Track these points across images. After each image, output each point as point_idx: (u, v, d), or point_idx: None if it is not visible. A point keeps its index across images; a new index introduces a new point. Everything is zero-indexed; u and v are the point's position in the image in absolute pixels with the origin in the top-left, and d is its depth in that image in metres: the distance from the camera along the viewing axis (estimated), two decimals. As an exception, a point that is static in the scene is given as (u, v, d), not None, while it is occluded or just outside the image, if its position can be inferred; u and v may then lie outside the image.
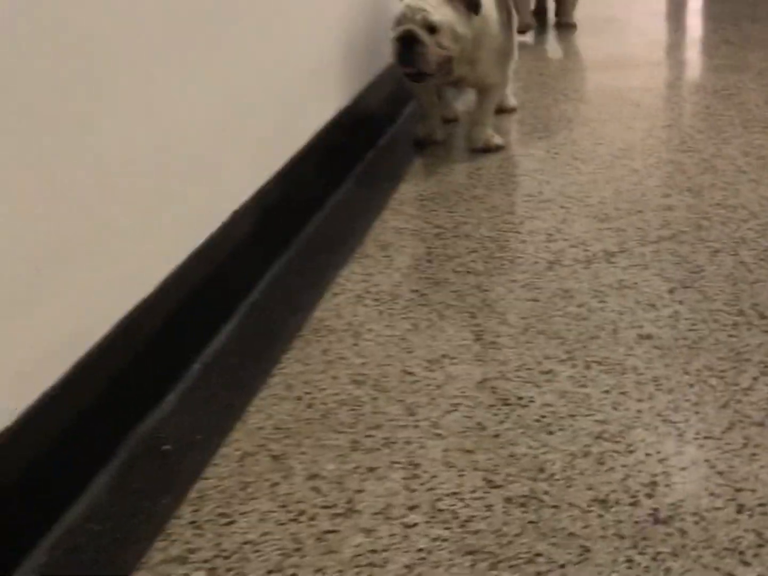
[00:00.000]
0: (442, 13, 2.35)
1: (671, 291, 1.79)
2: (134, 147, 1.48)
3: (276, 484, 1.35)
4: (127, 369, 1.45)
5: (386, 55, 2.84)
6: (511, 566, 1.16)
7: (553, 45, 3.95)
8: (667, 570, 1.14)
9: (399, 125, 2.97)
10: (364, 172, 2.58)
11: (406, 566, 1.18)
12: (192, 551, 1.23)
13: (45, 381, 1.28)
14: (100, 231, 1.39)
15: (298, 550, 1.22)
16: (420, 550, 1.21)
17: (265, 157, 2.01)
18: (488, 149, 2.63)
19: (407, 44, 2.34)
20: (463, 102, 3.07)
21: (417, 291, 1.88)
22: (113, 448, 1.42)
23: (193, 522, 1.29)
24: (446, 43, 2.38)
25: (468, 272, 1.94)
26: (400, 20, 2.38)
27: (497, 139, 2.65)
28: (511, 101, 2.97)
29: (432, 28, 2.35)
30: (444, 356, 1.64)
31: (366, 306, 1.84)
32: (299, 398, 1.55)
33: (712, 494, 1.26)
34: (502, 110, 2.89)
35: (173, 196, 1.61)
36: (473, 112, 2.70)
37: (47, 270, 1.27)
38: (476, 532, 1.23)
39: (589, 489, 1.29)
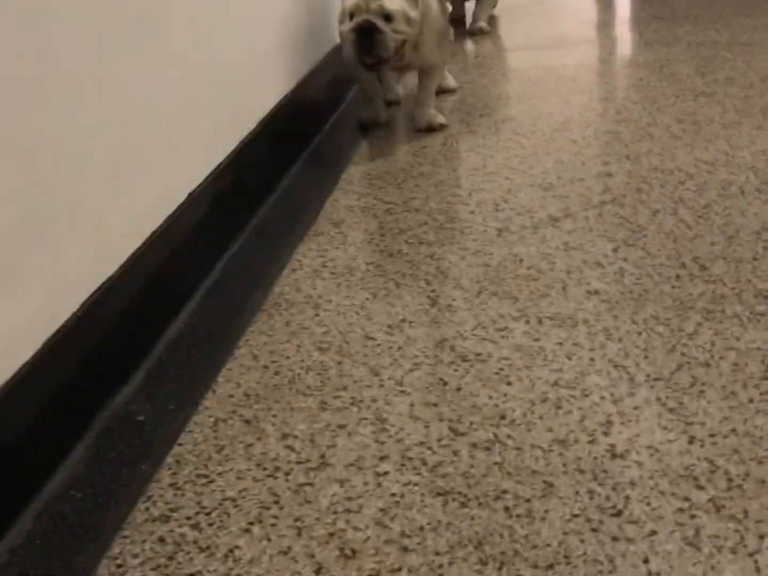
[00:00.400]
0: (394, 1, 2.40)
1: (615, 250, 1.87)
2: (92, 131, 1.52)
3: (250, 445, 1.40)
4: (97, 344, 1.49)
5: (327, 42, 2.90)
6: (480, 504, 1.23)
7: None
8: (627, 498, 1.21)
9: (342, 110, 3.03)
10: (313, 155, 2.64)
11: (381, 510, 1.24)
12: (174, 510, 1.28)
13: (20, 357, 1.32)
14: (65, 213, 1.43)
15: (276, 503, 1.28)
16: (393, 495, 1.26)
17: (218, 141, 2.06)
18: (432, 128, 2.71)
19: (366, 34, 2.37)
20: (403, 86, 3.14)
21: (372, 263, 1.94)
22: (88, 421, 1.46)
23: (172, 484, 1.33)
24: (401, 29, 2.43)
25: (420, 243, 2.00)
26: (353, 11, 2.41)
27: (440, 119, 2.73)
28: (451, 82, 3.04)
29: (388, 17, 2.39)
30: (403, 321, 1.70)
31: (324, 279, 1.90)
32: (266, 367, 1.60)
33: (664, 428, 1.33)
34: (443, 91, 2.97)
35: (133, 177, 1.65)
36: (416, 94, 2.76)
37: (18, 250, 1.31)
38: (445, 475, 1.29)
39: (549, 431, 1.36)
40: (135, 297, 1.61)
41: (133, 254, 1.63)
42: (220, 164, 2.04)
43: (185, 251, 1.82)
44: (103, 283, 1.53)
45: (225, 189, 2.02)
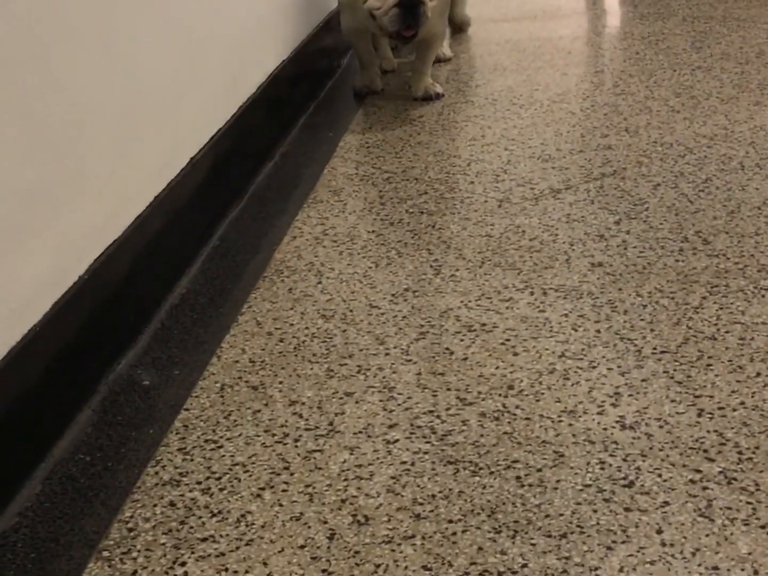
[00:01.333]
0: None
1: (618, 222, 1.87)
2: (97, 96, 1.50)
3: (258, 411, 1.40)
4: (102, 308, 1.48)
5: (324, 8, 2.87)
6: (491, 473, 1.23)
7: (481, -2, 4.01)
8: (638, 469, 1.22)
9: (338, 76, 3.01)
10: (310, 123, 2.62)
11: (393, 477, 1.24)
12: (183, 475, 1.28)
13: (28, 321, 1.31)
14: (71, 177, 1.41)
15: (286, 468, 1.27)
16: (403, 462, 1.27)
17: (218, 107, 2.04)
18: (429, 97, 2.70)
19: (411, 8, 2.39)
20: (396, 54, 3.12)
21: (374, 231, 1.93)
22: (94, 385, 1.45)
23: (181, 449, 1.33)
24: (431, 2, 2.44)
25: (421, 213, 2.00)
26: None
27: (437, 88, 2.72)
28: (447, 51, 3.03)
29: None
30: (407, 290, 1.70)
31: (325, 247, 1.89)
32: (270, 333, 1.60)
33: (673, 401, 1.34)
34: (438, 60, 2.95)
35: (137, 142, 1.63)
36: (414, 63, 2.74)
37: (25, 214, 1.29)
38: (455, 444, 1.29)
39: (558, 402, 1.36)
40: (138, 261, 1.60)
41: (137, 218, 1.61)
42: (220, 130, 2.03)
43: (187, 216, 1.81)
44: (109, 246, 1.52)
45: (224, 155, 2.01)
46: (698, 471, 1.20)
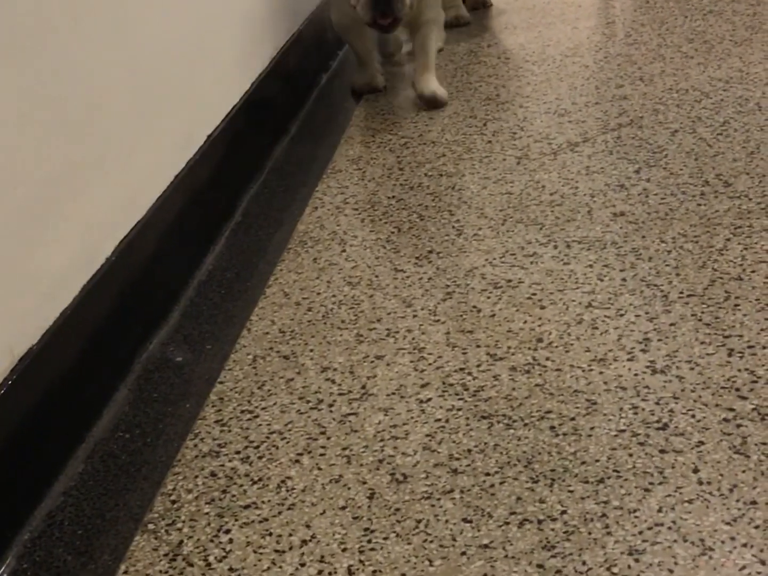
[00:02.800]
0: None
1: (637, 171, 1.87)
2: (115, 77, 1.51)
3: (291, 379, 1.41)
4: (130, 288, 1.50)
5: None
6: (525, 424, 1.24)
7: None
8: (671, 411, 1.22)
9: (348, 48, 3.00)
10: (324, 94, 2.62)
11: (428, 435, 1.25)
12: (222, 446, 1.30)
13: (60, 304, 1.33)
14: (93, 160, 1.43)
15: (322, 433, 1.29)
16: (437, 420, 1.28)
17: (232, 83, 2.05)
18: (434, 102, 2.37)
19: None
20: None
21: (394, 197, 1.94)
22: (128, 365, 1.47)
23: (218, 421, 1.35)
24: None
25: (440, 175, 2.00)
26: None
27: (442, 92, 2.38)
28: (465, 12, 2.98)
29: None
30: (430, 252, 1.71)
31: (347, 215, 1.90)
32: (298, 303, 1.61)
33: (702, 343, 1.34)
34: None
35: (156, 122, 1.64)
36: (415, 57, 2.45)
37: (51, 198, 1.31)
38: (487, 399, 1.30)
39: (587, 351, 1.37)
40: (163, 240, 1.61)
41: (159, 197, 1.63)
42: (235, 106, 2.04)
43: (208, 194, 1.82)
44: (133, 227, 1.53)
45: (241, 130, 2.02)
46: (731, 410, 1.21)
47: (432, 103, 2.36)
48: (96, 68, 1.45)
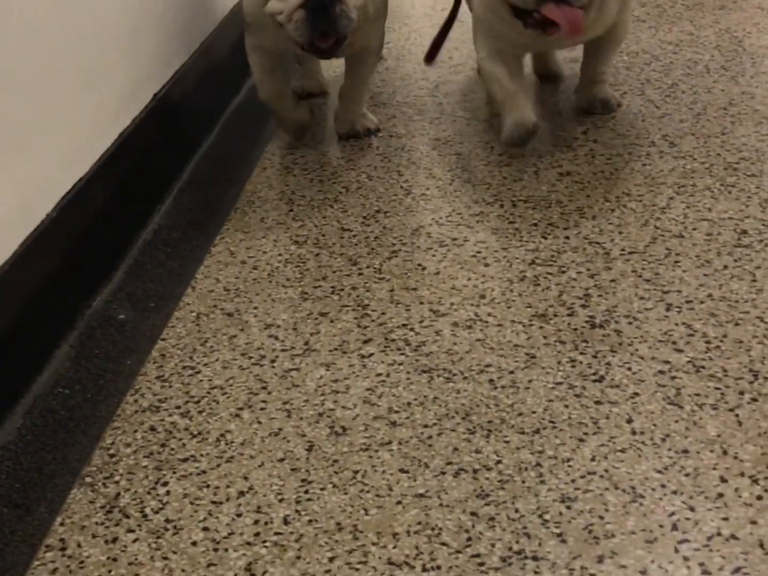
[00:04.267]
0: None
1: (585, 132, 1.88)
2: (57, 29, 1.49)
3: (234, 336, 1.41)
4: (73, 246, 1.49)
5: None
6: (465, 378, 1.25)
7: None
8: (608, 364, 1.23)
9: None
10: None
11: (368, 389, 1.26)
12: (162, 401, 1.29)
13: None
14: (34, 113, 1.41)
15: (263, 388, 1.29)
16: (378, 374, 1.28)
17: (180, 43, 2.02)
18: (356, 134, 2.01)
19: (319, 8, 1.68)
20: None
21: (343, 158, 1.93)
22: (70, 322, 1.46)
23: (159, 377, 1.34)
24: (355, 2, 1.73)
25: (390, 136, 2.00)
26: None
27: (369, 121, 2.03)
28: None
29: None
30: (378, 211, 1.71)
31: (295, 176, 1.89)
32: (244, 262, 1.61)
33: (642, 298, 1.35)
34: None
35: (100, 78, 1.63)
36: (342, 87, 2.01)
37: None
38: (428, 354, 1.31)
39: (529, 307, 1.38)
40: (108, 198, 1.60)
41: (104, 155, 1.61)
42: (184, 65, 2.02)
43: (156, 151, 1.81)
44: (75, 184, 1.52)
45: (190, 90, 2.00)
46: (667, 362, 1.22)
47: (354, 137, 2.01)
48: (34, 19, 1.42)
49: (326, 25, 1.69)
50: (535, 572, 0.96)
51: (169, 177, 1.88)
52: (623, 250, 1.47)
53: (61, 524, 1.10)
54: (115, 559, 1.05)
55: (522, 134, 1.79)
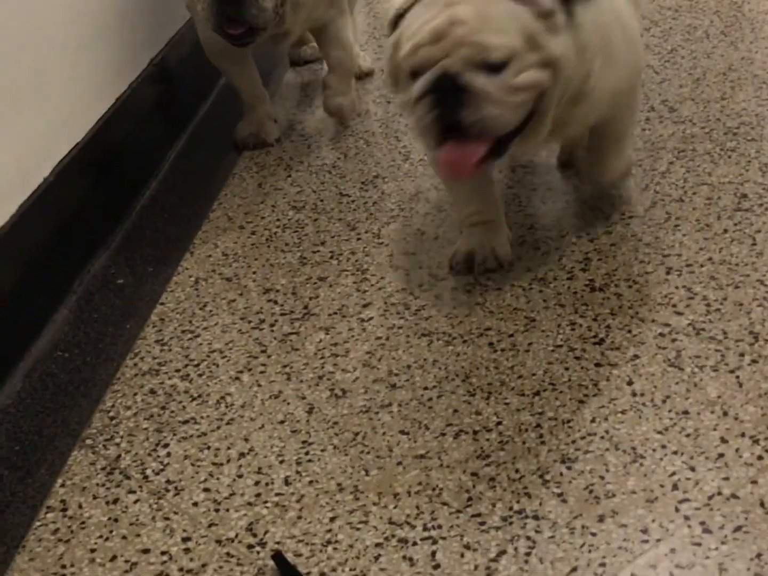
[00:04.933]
0: None
1: (585, 98, 1.86)
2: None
3: (233, 300, 1.41)
4: (71, 210, 1.48)
5: None
6: (464, 341, 1.25)
7: None
8: (608, 327, 1.23)
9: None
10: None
11: (368, 352, 1.26)
12: (162, 364, 1.29)
13: (-5, 222, 1.31)
14: (32, 76, 1.40)
15: (263, 352, 1.29)
16: (378, 338, 1.28)
17: (180, 5, 2.01)
18: (340, 114, 1.89)
19: None
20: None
21: (341, 124, 1.92)
22: (68, 286, 1.46)
23: (158, 340, 1.34)
24: None
25: (388, 102, 1.99)
26: None
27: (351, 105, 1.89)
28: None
29: None
30: (376, 177, 1.70)
31: (293, 142, 1.88)
32: (242, 227, 1.60)
33: (642, 262, 1.35)
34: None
35: (95, 41, 1.61)
36: (327, 78, 1.88)
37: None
38: (428, 318, 1.31)
39: (528, 270, 1.37)
40: (105, 163, 1.59)
41: (100, 119, 1.60)
42: (179, 31, 2.00)
43: (152, 117, 1.80)
44: (72, 149, 1.51)
45: (187, 56, 1.99)
46: (667, 324, 1.22)
47: (336, 116, 1.88)
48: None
49: (233, 10, 1.56)
50: (536, 531, 0.96)
51: (167, 142, 1.87)
52: (623, 214, 1.47)
53: (62, 486, 1.10)
54: (116, 520, 1.05)
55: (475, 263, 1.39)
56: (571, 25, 1.15)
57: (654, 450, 1.03)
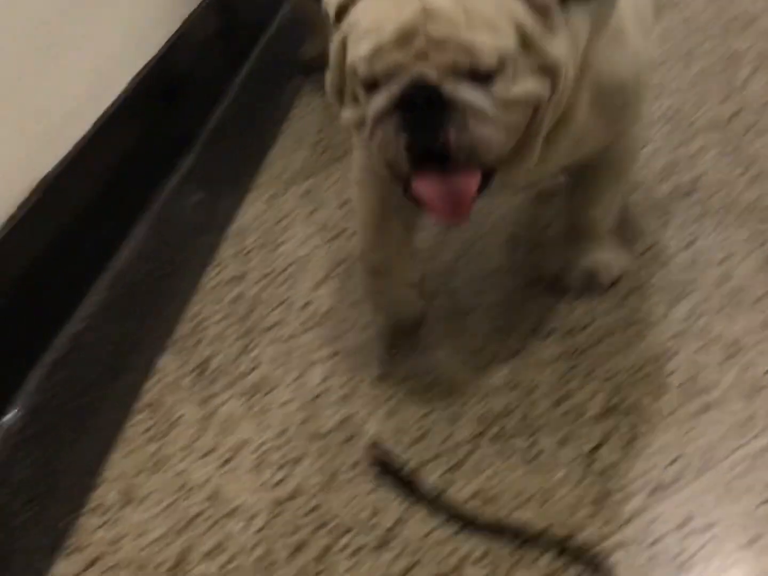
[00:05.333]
0: None
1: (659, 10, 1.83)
2: None
3: (311, 212, 1.40)
4: (143, 129, 1.48)
5: None
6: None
7: None
8: (697, 230, 1.21)
9: None
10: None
11: (452, 259, 1.24)
12: (244, 274, 1.29)
13: (76, 133, 1.31)
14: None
15: (344, 260, 1.28)
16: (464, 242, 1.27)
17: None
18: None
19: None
20: None
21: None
22: (146, 202, 1.46)
23: (239, 251, 1.34)
24: None
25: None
26: None
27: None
28: None
29: None
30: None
31: (360, 64, 1.86)
32: (314, 145, 1.59)
33: (727, 167, 1.33)
34: None
35: None
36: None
37: (65, 32, 1.28)
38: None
39: (611, 179, 1.35)
40: (171, 86, 1.58)
41: (171, 37, 1.59)
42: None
43: (218, 42, 1.79)
44: (147, 63, 1.50)
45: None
46: (757, 229, 1.20)
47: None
48: None
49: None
50: (632, 426, 0.95)
51: (232, 68, 1.85)
52: (704, 123, 1.44)
53: (153, 386, 1.11)
54: (209, 417, 1.05)
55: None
56: (567, 26, 0.86)
57: (752, 345, 1.02)
